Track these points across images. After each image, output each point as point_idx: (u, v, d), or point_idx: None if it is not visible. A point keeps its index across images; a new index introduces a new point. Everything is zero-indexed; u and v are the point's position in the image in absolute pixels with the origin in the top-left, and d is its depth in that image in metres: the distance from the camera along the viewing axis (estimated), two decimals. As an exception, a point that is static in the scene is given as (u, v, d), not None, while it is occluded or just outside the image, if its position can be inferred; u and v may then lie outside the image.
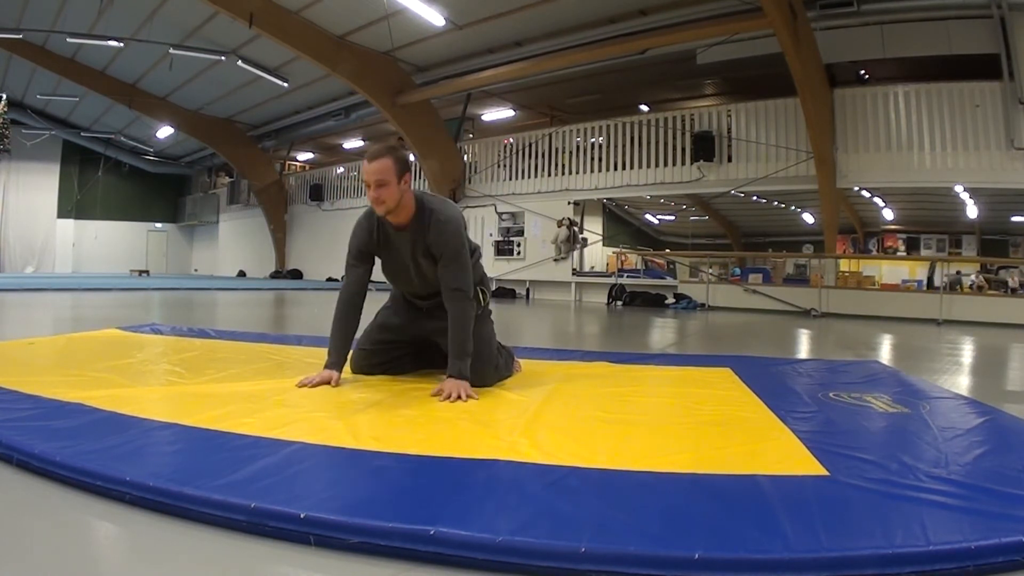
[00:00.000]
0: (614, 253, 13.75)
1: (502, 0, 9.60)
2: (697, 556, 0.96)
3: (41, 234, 21.30)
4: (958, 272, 11.66)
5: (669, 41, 9.51)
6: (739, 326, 7.26)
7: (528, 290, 12.90)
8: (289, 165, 20.14)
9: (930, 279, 10.67)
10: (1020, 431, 1.84)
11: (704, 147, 10.54)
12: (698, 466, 1.43)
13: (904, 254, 16.86)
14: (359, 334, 2.50)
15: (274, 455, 1.43)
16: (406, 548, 1.02)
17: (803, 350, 5.04)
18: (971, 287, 11.19)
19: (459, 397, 2.08)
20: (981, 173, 8.77)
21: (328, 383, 2.27)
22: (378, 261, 2.46)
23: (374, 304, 2.52)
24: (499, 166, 13.60)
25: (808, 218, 16.77)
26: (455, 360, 2.21)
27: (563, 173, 12.61)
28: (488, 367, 2.40)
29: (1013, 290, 11.06)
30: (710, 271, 11.63)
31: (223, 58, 12.40)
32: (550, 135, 12.92)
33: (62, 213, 21.56)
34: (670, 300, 10.37)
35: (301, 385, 2.25)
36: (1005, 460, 1.51)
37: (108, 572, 1.04)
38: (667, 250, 16.96)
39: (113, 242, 22.59)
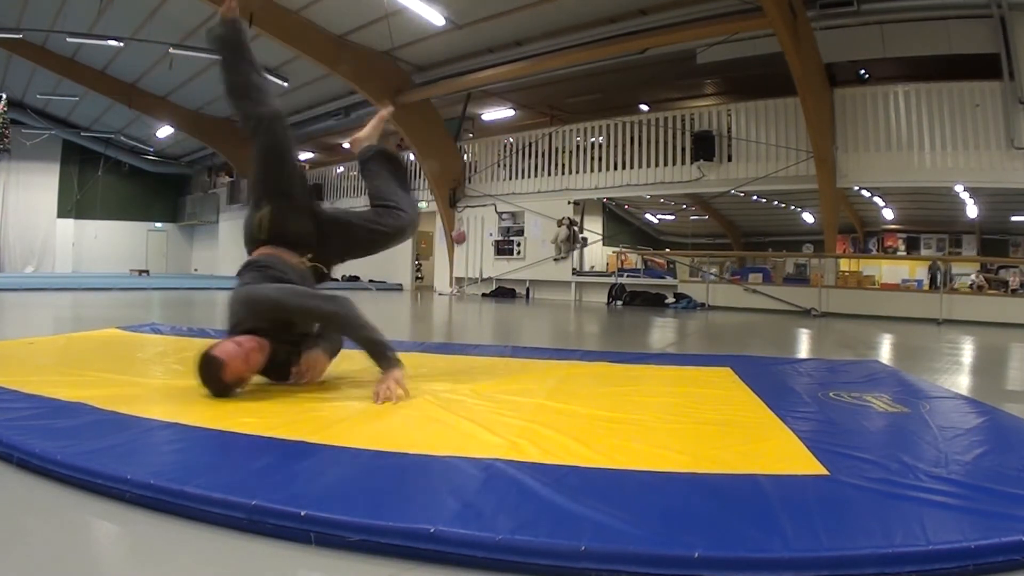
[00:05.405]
0: (614, 253, 13.74)
1: (502, 0, 9.60)
2: (697, 555, 0.96)
3: (41, 234, 21.26)
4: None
5: (669, 41, 9.52)
6: (739, 326, 7.26)
7: (528, 290, 12.90)
8: (289, 165, 20.10)
9: (932, 278, 10.72)
10: (1020, 431, 1.84)
11: (704, 147, 10.55)
12: (698, 466, 1.43)
13: (904, 254, 16.87)
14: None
15: (274, 454, 1.43)
16: (406, 546, 1.02)
17: (803, 350, 5.05)
18: (971, 287, 11.19)
19: (389, 397, 1.97)
20: (981, 173, 8.77)
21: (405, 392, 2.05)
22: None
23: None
24: (499, 166, 13.60)
25: (808, 218, 16.78)
26: (378, 361, 2.11)
27: (563, 173, 12.61)
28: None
29: (1013, 290, 11.06)
30: (710, 271, 11.62)
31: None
32: (550, 135, 12.92)
33: (62, 213, 21.52)
34: (670, 300, 10.36)
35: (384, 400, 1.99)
36: (1005, 460, 1.50)
37: (108, 571, 1.04)
38: (667, 250, 16.95)
39: (113, 242, 22.56)
